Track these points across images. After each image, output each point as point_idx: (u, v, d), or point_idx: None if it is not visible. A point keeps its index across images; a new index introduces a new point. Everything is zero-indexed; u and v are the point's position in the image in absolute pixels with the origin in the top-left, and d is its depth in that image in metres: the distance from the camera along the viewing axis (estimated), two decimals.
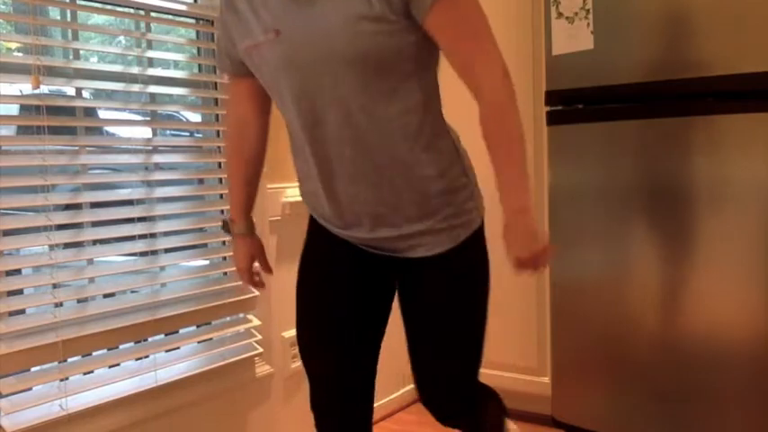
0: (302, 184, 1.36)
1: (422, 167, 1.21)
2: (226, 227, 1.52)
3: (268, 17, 1.19)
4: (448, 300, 1.28)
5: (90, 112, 1.93)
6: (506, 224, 1.13)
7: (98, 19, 2.11)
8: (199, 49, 2.08)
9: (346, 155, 1.20)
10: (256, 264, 1.55)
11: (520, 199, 1.12)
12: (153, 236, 1.83)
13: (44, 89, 1.58)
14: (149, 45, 1.87)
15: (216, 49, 1.41)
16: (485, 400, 1.45)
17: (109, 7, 1.79)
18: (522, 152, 1.14)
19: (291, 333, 2.21)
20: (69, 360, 1.65)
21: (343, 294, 1.33)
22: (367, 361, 1.35)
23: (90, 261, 1.73)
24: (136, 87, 1.79)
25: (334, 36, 1.12)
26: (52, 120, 1.59)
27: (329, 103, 1.17)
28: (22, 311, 1.63)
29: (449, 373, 1.33)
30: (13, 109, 1.91)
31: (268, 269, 1.55)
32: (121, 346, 1.78)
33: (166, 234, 1.87)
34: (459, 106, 2.38)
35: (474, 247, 1.29)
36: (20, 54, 1.68)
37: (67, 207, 1.67)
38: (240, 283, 2.03)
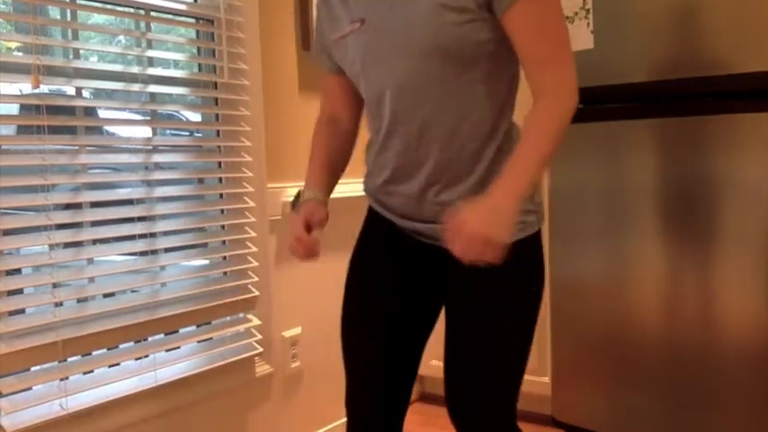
0: (372, 178, 1.32)
1: (486, 164, 1.19)
2: (294, 205, 1.32)
3: (356, 6, 1.20)
4: (495, 300, 1.21)
5: (90, 112, 1.93)
6: (491, 194, 1.05)
7: (98, 18, 2.11)
8: (199, 49, 2.07)
9: (418, 147, 1.19)
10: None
11: (518, 183, 1.04)
12: (153, 235, 1.82)
13: (44, 89, 1.57)
14: (149, 45, 1.87)
15: (316, 46, 1.38)
16: None
17: (109, 7, 1.79)
18: (549, 150, 1.07)
19: (291, 333, 2.21)
20: (69, 360, 1.65)
21: (395, 299, 1.31)
22: (410, 362, 1.33)
23: (90, 261, 1.73)
24: (136, 87, 1.79)
25: (415, 26, 1.11)
26: (52, 119, 1.59)
27: (405, 94, 1.16)
28: (22, 311, 1.62)
29: (483, 385, 1.24)
30: (13, 109, 1.91)
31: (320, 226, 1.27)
32: (121, 346, 1.78)
33: (166, 234, 1.87)
34: None
35: (528, 253, 1.23)
36: (20, 54, 1.68)
37: (67, 207, 1.67)
38: (240, 282, 2.03)
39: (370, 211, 1.40)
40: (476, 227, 0.99)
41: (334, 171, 1.36)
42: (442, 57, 1.11)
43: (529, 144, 1.08)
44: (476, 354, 1.21)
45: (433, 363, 2.48)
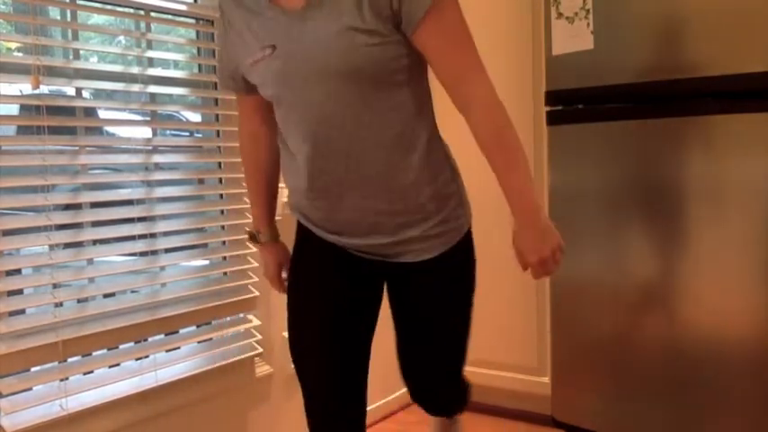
0: (293, 195, 1.36)
1: (415, 174, 1.23)
2: (252, 238, 1.54)
3: (263, 33, 1.21)
4: (439, 303, 1.35)
5: (90, 112, 1.93)
6: (519, 226, 1.17)
7: (98, 19, 2.11)
8: (199, 49, 2.08)
9: (341, 166, 1.22)
10: (284, 273, 1.56)
11: (530, 200, 1.15)
12: (153, 236, 1.83)
13: (44, 89, 1.58)
14: (149, 45, 1.87)
15: (217, 68, 1.43)
16: (467, 391, 1.57)
17: (109, 7, 1.79)
18: (525, 159, 1.16)
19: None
20: (69, 360, 1.65)
21: (334, 299, 1.34)
22: (360, 363, 1.37)
23: (90, 261, 1.73)
24: (136, 87, 1.79)
25: (328, 51, 1.13)
26: (52, 120, 1.59)
27: (325, 116, 1.18)
28: (22, 311, 1.63)
29: (440, 370, 1.42)
30: (13, 109, 1.91)
31: None
32: (121, 346, 1.78)
33: (166, 234, 1.87)
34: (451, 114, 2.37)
35: (463, 252, 1.35)
36: (20, 54, 1.68)
37: (67, 207, 1.67)
38: (240, 282, 2.03)
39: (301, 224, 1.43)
40: (534, 252, 1.16)
41: (275, 193, 1.51)
42: (359, 78, 1.14)
43: (512, 162, 1.15)
44: (432, 344, 1.39)
45: None
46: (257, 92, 1.33)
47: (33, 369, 1.62)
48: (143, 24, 1.87)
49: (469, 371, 2.57)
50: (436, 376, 1.44)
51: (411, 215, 1.26)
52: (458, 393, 1.52)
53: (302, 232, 1.42)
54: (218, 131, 2.06)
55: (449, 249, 1.31)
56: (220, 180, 2.07)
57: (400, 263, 1.32)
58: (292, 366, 1.79)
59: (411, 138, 1.22)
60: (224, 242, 2.05)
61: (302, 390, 1.39)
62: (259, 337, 2.08)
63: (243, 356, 2.01)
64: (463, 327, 1.41)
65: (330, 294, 1.34)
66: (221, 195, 2.05)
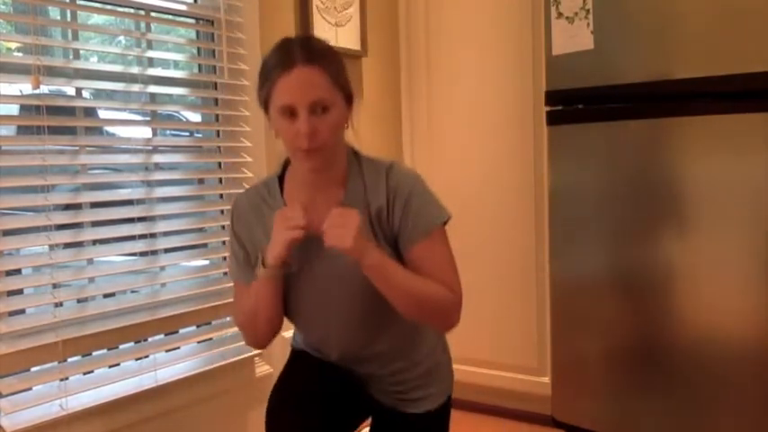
0: (315, 347, 1.53)
1: (419, 347, 1.47)
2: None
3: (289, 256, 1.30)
4: None
5: (90, 112, 1.93)
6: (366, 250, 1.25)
7: (98, 19, 2.11)
8: (199, 50, 2.08)
9: (359, 345, 1.41)
10: None
11: (384, 259, 1.26)
12: (153, 236, 1.83)
13: (44, 89, 1.58)
14: (149, 45, 1.87)
15: (232, 262, 1.46)
16: None
17: (109, 7, 1.79)
18: (414, 293, 1.29)
19: (291, 333, 2.21)
20: (69, 360, 1.65)
21: (328, 398, 1.42)
22: None
23: (90, 261, 1.73)
24: (136, 87, 1.79)
25: (350, 276, 1.30)
26: (52, 120, 1.59)
27: (349, 321, 1.38)
28: (22, 311, 1.63)
29: None
30: (13, 109, 1.91)
31: None
32: (121, 347, 1.78)
33: (166, 234, 1.87)
34: (450, 117, 2.37)
35: (445, 411, 1.54)
36: (20, 54, 1.68)
37: (67, 207, 1.67)
38: None
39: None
40: (347, 222, 1.22)
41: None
42: (373, 289, 1.29)
43: (419, 279, 1.29)
44: None
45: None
46: None
47: (33, 369, 1.62)
48: (143, 24, 1.87)
49: (470, 371, 2.57)
50: None
51: (416, 380, 1.47)
52: None
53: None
54: (218, 131, 2.06)
55: (436, 408, 1.50)
56: (220, 180, 2.07)
57: (397, 410, 1.50)
58: None
59: (412, 323, 1.42)
60: (224, 242, 2.04)
61: None
62: None
63: (243, 356, 2.01)
64: None
65: (325, 391, 1.42)
66: (221, 195, 2.05)
